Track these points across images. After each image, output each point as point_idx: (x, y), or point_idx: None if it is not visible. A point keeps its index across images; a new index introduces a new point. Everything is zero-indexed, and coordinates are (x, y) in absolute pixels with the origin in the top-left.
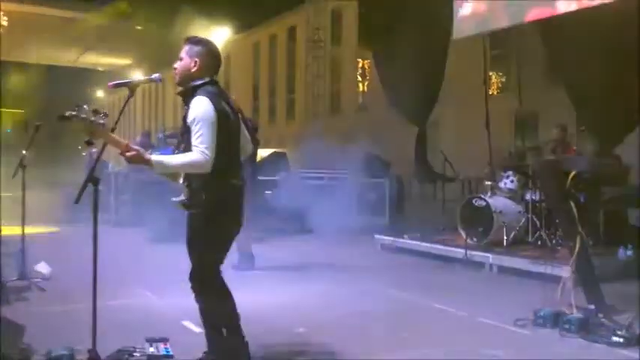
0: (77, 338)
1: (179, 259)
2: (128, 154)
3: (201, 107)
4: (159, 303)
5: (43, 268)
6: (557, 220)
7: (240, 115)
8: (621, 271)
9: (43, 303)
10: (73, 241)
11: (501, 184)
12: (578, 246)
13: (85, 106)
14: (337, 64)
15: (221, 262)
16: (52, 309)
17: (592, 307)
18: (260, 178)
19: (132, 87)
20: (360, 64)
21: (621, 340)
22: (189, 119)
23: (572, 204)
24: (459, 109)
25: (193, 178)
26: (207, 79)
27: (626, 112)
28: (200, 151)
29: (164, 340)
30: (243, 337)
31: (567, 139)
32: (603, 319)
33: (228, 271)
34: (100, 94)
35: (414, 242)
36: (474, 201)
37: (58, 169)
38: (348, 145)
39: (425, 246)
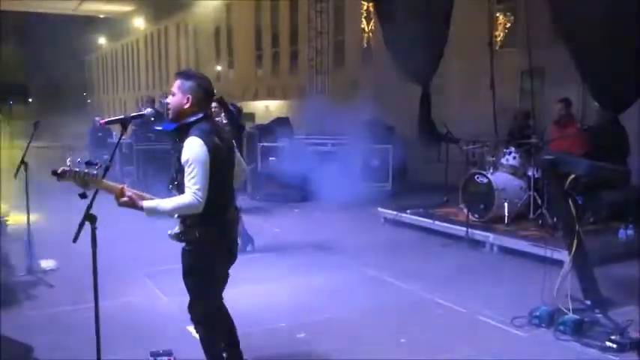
0: (83, 343)
1: None
2: (122, 199)
3: (194, 148)
4: (162, 302)
5: (48, 263)
6: (555, 219)
7: (234, 144)
8: (622, 251)
9: (51, 302)
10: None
11: (503, 160)
12: (575, 244)
13: (78, 160)
14: (341, 15)
15: (219, 294)
16: (60, 309)
17: (588, 302)
18: (263, 144)
19: (124, 123)
20: (365, 7)
21: (615, 345)
22: (183, 160)
23: (571, 203)
24: (463, 69)
25: (188, 215)
26: (200, 116)
27: (634, 78)
28: (192, 192)
29: (168, 355)
30: (239, 350)
31: (571, 112)
32: (599, 315)
33: None
34: (101, 41)
35: (417, 218)
36: (476, 177)
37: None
38: (352, 101)
39: (427, 222)
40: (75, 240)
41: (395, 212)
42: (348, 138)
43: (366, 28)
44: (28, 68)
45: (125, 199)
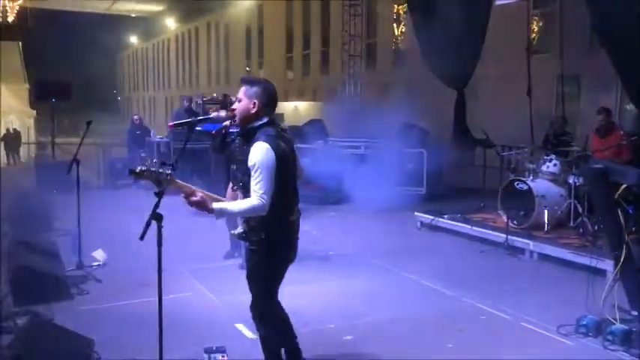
0: (139, 338)
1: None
2: (193, 198)
3: (261, 153)
4: (209, 300)
5: (99, 254)
6: (596, 226)
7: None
8: None
9: (101, 297)
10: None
11: (544, 167)
12: (624, 255)
13: (154, 161)
14: (373, 18)
15: (276, 292)
16: (112, 305)
17: (635, 313)
18: (297, 145)
19: (191, 126)
20: (395, 10)
21: None
22: (250, 163)
23: (620, 213)
24: (498, 73)
25: (252, 216)
26: (265, 120)
27: None
28: (258, 196)
29: (222, 352)
30: (299, 349)
31: (612, 120)
32: None
33: None
34: (132, 39)
35: (455, 223)
36: (515, 184)
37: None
38: (384, 104)
39: (465, 227)
40: (142, 238)
41: (432, 217)
42: (381, 141)
43: (396, 32)
44: (67, 66)
45: (197, 198)
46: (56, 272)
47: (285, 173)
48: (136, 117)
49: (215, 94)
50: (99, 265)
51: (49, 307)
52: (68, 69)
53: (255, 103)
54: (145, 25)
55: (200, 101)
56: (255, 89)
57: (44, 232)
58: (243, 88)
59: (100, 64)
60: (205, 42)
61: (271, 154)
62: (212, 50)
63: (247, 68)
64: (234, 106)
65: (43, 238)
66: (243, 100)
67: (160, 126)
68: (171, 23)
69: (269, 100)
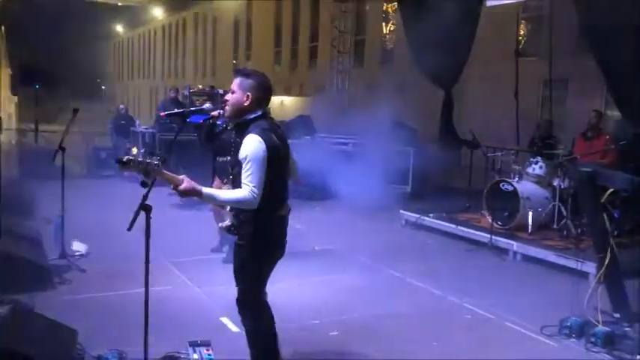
0: (122, 329)
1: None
2: (182, 187)
3: (253, 146)
4: (193, 292)
5: (79, 246)
6: (579, 229)
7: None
8: None
9: (84, 287)
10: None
11: (529, 170)
12: (608, 259)
13: (141, 151)
14: (362, 15)
15: (264, 286)
16: (95, 295)
17: (617, 315)
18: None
19: (184, 116)
20: (384, 8)
21: None
22: (241, 155)
23: (606, 217)
24: (485, 75)
25: (242, 209)
26: (259, 113)
27: None
28: (249, 189)
29: (207, 345)
30: (280, 355)
31: (600, 125)
32: (628, 329)
33: None
34: (119, 28)
35: (440, 222)
36: (501, 185)
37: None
38: (371, 102)
39: (450, 227)
40: (130, 228)
41: (417, 215)
42: (369, 138)
43: (385, 30)
44: (51, 53)
45: (185, 185)
46: (39, 261)
47: (277, 167)
48: (121, 107)
49: (201, 86)
50: (82, 255)
51: (31, 296)
52: (52, 56)
53: (248, 95)
54: (132, 14)
55: (187, 92)
56: (249, 82)
57: (26, 221)
58: (237, 80)
59: (84, 52)
60: (193, 34)
61: (263, 147)
62: (199, 42)
63: (234, 61)
64: (227, 97)
65: (26, 226)
66: (237, 92)
67: (145, 116)
68: (158, 13)
69: (263, 93)
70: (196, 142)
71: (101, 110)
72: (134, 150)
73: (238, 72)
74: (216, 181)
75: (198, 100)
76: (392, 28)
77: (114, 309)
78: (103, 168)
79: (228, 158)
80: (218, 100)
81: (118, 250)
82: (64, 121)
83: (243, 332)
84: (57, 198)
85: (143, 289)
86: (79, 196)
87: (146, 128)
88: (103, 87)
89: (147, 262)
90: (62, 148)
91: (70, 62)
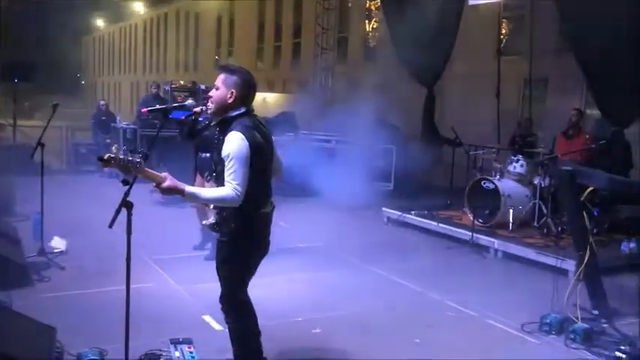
0: (103, 326)
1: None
2: (164, 185)
3: (235, 143)
4: (174, 290)
5: (58, 243)
6: (559, 227)
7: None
8: (624, 263)
9: (64, 285)
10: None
11: (510, 167)
12: (587, 256)
13: (123, 149)
14: (345, 12)
15: (247, 284)
16: (74, 292)
17: (596, 312)
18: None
19: (166, 112)
20: (367, 5)
21: (624, 355)
22: (224, 153)
23: (586, 216)
24: (466, 73)
25: (225, 207)
26: (242, 110)
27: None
28: (232, 187)
29: (188, 343)
30: (262, 353)
31: (580, 124)
32: (605, 325)
33: None
34: (99, 22)
35: (422, 220)
36: (482, 183)
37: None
38: (354, 99)
39: (432, 224)
40: (111, 225)
41: (399, 213)
42: (352, 136)
43: (367, 28)
44: (30, 47)
45: (168, 183)
46: (16, 258)
47: (260, 165)
48: (102, 102)
49: (182, 82)
50: (61, 252)
51: (8, 294)
52: (31, 50)
53: (232, 92)
54: (113, 8)
55: (168, 88)
56: (234, 78)
57: (4, 217)
58: (221, 76)
59: (64, 46)
60: (174, 29)
61: (246, 144)
62: (181, 37)
63: (216, 57)
64: (210, 94)
65: (3, 222)
66: (221, 89)
67: (126, 112)
68: (139, 8)
69: (247, 90)
70: (178, 138)
71: (81, 105)
72: (114, 148)
73: (223, 68)
74: (199, 178)
75: (179, 95)
76: (375, 26)
77: (94, 307)
78: (83, 163)
79: (209, 155)
80: (200, 96)
81: (98, 247)
82: (43, 117)
83: (226, 330)
84: (36, 194)
85: (123, 287)
86: (59, 192)
87: (127, 124)
88: (83, 82)
89: (128, 259)
90: (41, 144)
91: (50, 56)
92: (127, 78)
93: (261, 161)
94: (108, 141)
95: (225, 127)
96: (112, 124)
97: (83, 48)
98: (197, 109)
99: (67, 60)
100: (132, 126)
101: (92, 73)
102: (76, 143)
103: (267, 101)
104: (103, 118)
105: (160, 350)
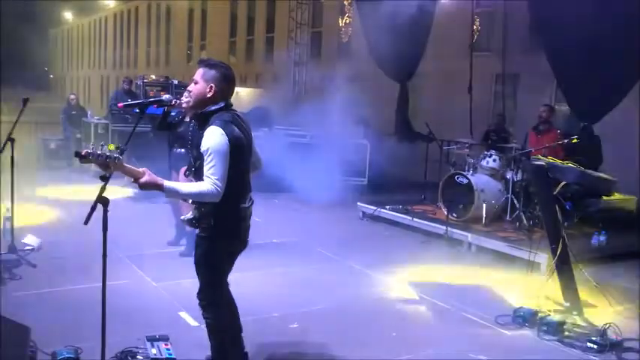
0: (78, 324)
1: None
2: (142, 180)
3: (214, 138)
4: (150, 287)
5: (31, 240)
6: (531, 221)
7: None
8: (594, 256)
9: (36, 282)
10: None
11: (483, 162)
12: (560, 249)
13: (101, 144)
14: (319, 7)
15: (226, 278)
16: (47, 290)
17: (567, 304)
18: None
19: (142, 107)
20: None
21: (595, 346)
22: (203, 148)
23: (558, 209)
24: (439, 69)
25: (203, 202)
26: (221, 105)
27: (608, 89)
28: (212, 182)
29: (165, 340)
30: (244, 348)
31: (551, 120)
32: (576, 317)
33: None
34: (68, 15)
35: (397, 214)
36: (456, 178)
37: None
38: (328, 94)
39: (406, 219)
40: (86, 222)
41: (374, 208)
42: (326, 131)
43: (341, 23)
44: None
45: (147, 178)
46: None
47: (239, 160)
48: (72, 96)
49: (154, 76)
50: (32, 249)
51: None
52: None
53: (211, 87)
54: (81, 1)
55: (140, 83)
56: (212, 72)
57: None
58: (200, 71)
59: (31, 39)
60: (145, 22)
61: (225, 139)
62: (152, 31)
63: (188, 52)
64: (189, 88)
65: None
66: (200, 83)
67: (96, 107)
68: (109, 1)
69: (226, 85)
70: (150, 134)
71: (49, 99)
72: (91, 143)
73: (202, 62)
74: (174, 174)
75: (152, 90)
76: (348, 21)
77: (67, 305)
78: (54, 159)
79: (183, 150)
80: (172, 90)
81: (71, 244)
82: (8, 111)
83: (203, 326)
84: (5, 190)
85: (97, 284)
86: (29, 188)
87: (98, 119)
88: (51, 75)
89: (104, 255)
90: (11, 139)
91: (16, 49)
92: (97, 72)
93: (240, 156)
94: (78, 136)
95: (204, 121)
96: (83, 119)
97: (51, 41)
98: (167, 104)
99: (33, 54)
100: (103, 121)
101: (61, 68)
102: (46, 139)
103: (240, 95)
104: (74, 112)
105: (137, 348)
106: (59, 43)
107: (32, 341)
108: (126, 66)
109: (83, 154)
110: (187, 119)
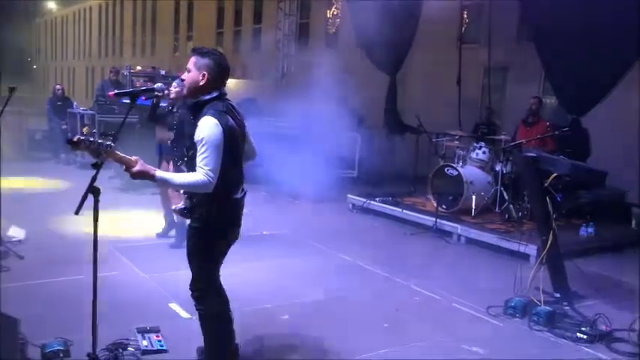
0: (67, 316)
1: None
2: (135, 169)
3: (208, 128)
4: (140, 278)
5: (16, 232)
6: (520, 213)
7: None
8: (583, 248)
9: (24, 275)
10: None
11: (473, 155)
12: (550, 240)
13: (93, 131)
14: (307, 1)
15: (218, 269)
16: (35, 282)
17: (557, 295)
18: None
19: (133, 96)
20: None
21: (585, 337)
22: (197, 138)
23: (549, 201)
24: (428, 61)
25: (195, 192)
26: (215, 94)
27: (596, 82)
28: (204, 172)
29: (156, 331)
30: (235, 339)
31: (539, 112)
32: (567, 307)
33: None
34: (51, 5)
35: (386, 206)
36: (445, 170)
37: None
38: (317, 85)
39: (396, 211)
40: (77, 212)
41: (364, 200)
42: (315, 123)
43: (328, 14)
44: None
45: (139, 167)
46: None
47: (233, 150)
48: (58, 87)
49: (140, 67)
50: (19, 241)
51: None
52: None
53: (204, 75)
54: None
55: (127, 73)
56: (205, 61)
57: None
58: (193, 59)
59: (14, 29)
60: (131, 13)
61: (219, 129)
62: (138, 21)
63: (175, 42)
64: (183, 77)
65: None
66: (192, 72)
67: (81, 97)
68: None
69: (220, 73)
70: (136, 124)
71: (33, 90)
72: (85, 129)
73: (195, 50)
74: (164, 164)
75: (138, 80)
76: (335, 13)
77: (56, 296)
78: (39, 150)
79: (169, 143)
80: (159, 81)
81: (58, 236)
82: None
83: (194, 318)
84: None
85: (85, 276)
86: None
87: (84, 109)
88: (34, 66)
89: (95, 246)
90: None
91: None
92: (82, 63)
93: (234, 146)
94: (64, 127)
95: (197, 111)
96: (69, 110)
97: (35, 32)
98: (158, 93)
99: (17, 44)
100: (89, 111)
101: (44, 58)
102: (31, 129)
103: (227, 87)
104: (59, 103)
105: (127, 339)
106: (43, 34)
107: (21, 333)
108: (112, 56)
109: (75, 140)
110: (175, 109)
